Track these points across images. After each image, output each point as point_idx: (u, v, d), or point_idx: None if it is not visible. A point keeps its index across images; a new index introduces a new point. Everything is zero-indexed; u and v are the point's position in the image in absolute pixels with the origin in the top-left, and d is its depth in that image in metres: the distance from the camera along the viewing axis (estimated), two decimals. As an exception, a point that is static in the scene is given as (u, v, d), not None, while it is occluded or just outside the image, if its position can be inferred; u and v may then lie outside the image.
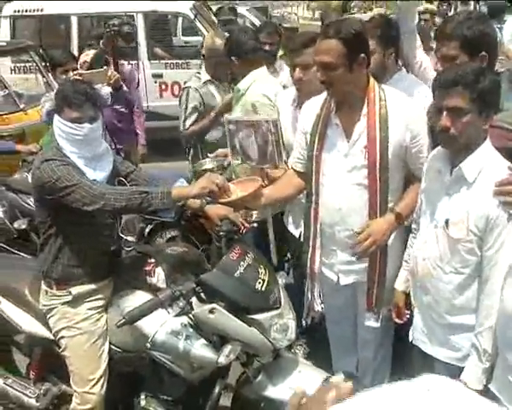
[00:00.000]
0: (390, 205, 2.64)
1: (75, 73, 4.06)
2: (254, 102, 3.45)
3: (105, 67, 4.49)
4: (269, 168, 3.10)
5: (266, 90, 3.47)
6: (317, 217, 2.78)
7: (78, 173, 2.53)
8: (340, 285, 2.83)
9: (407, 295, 2.59)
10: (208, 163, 3.68)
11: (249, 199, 2.62)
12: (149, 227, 4.64)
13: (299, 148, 2.88)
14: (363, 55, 2.51)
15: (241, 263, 2.48)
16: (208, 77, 4.10)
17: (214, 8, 9.54)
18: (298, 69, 3.11)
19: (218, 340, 2.51)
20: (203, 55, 4.16)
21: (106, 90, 4.33)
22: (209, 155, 3.80)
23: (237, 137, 3.22)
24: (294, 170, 2.91)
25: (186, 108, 4.13)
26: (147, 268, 2.70)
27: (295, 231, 3.39)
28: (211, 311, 2.40)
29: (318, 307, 2.97)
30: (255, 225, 2.95)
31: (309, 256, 2.88)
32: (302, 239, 3.06)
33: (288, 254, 3.79)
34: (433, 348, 2.38)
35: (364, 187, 2.62)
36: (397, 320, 2.68)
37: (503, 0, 8.21)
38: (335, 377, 1.69)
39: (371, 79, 2.63)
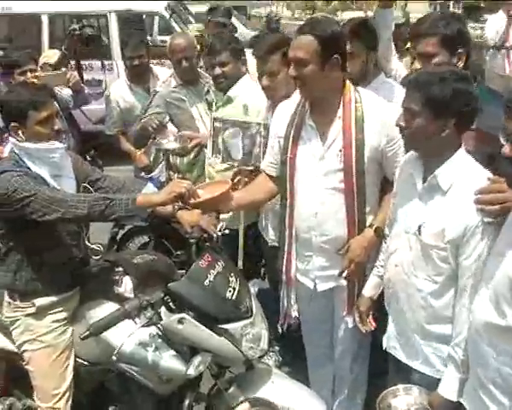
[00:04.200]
0: (367, 209, 2.65)
1: (32, 75, 3.99)
2: (246, 104, 3.42)
3: (64, 69, 4.45)
4: (251, 169, 3.13)
5: (258, 97, 3.41)
6: (291, 222, 2.77)
7: (37, 183, 2.47)
8: (317, 292, 2.81)
9: (374, 301, 2.60)
10: (170, 143, 3.64)
11: (218, 202, 2.60)
12: (121, 233, 4.62)
13: (271, 152, 2.86)
14: (337, 55, 2.50)
15: (211, 271, 2.45)
16: (178, 81, 4.04)
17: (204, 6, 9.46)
18: (264, 77, 3.10)
19: (188, 351, 2.49)
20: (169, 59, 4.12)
21: (66, 93, 4.28)
22: (175, 133, 3.76)
23: (221, 136, 3.23)
24: (267, 174, 2.89)
25: (145, 112, 4.09)
26: (114, 277, 2.66)
27: (268, 236, 3.37)
28: (180, 321, 2.37)
29: (295, 314, 2.96)
30: (227, 231, 2.91)
31: (284, 262, 2.87)
32: (277, 245, 3.05)
33: (263, 260, 3.76)
34: (407, 357, 2.37)
35: (340, 191, 2.61)
36: (360, 327, 2.68)
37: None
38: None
39: (347, 82, 2.62)
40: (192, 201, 2.50)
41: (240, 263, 3.33)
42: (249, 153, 3.17)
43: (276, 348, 3.76)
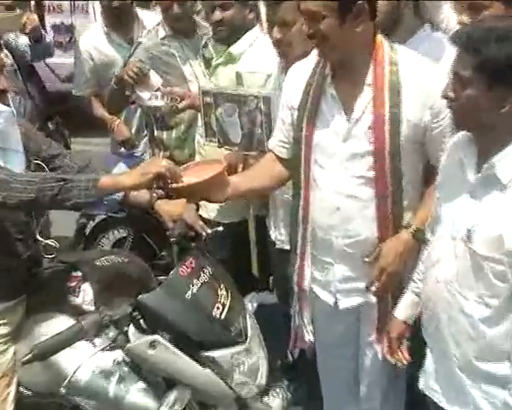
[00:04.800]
0: (405, 203, 2.62)
1: None
2: (242, 73, 3.40)
3: (19, 10, 4.47)
4: (254, 156, 3.11)
5: (267, 57, 3.37)
6: (306, 218, 2.76)
7: None
8: (339, 309, 2.80)
9: (409, 326, 2.56)
10: (155, 100, 3.64)
11: (209, 187, 2.58)
12: (92, 224, 4.64)
13: (282, 127, 2.85)
14: (361, 1, 2.44)
15: (195, 281, 2.45)
16: (168, 31, 4.00)
17: None
18: (276, 28, 3.06)
19: (163, 384, 2.48)
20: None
21: (23, 41, 4.28)
22: (161, 88, 3.73)
23: (214, 114, 3.22)
24: (275, 155, 2.88)
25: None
26: (70, 284, 2.65)
27: (276, 236, 3.36)
28: (151, 344, 2.36)
29: (309, 337, 2.96)
30: (220, 228, 2.89)
31: (296, 270, 2.86)
32: (287, 247, 3.06)
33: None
34: (449, 403, 2.32)
35: (370, 180, 2.59)
36: (388, 357, 2.64)
37: None
38: None
39: (379, 36, 2.58)
40: (174, 185, 2.48)
41: (254, 267, 3.32)
42: (249, 134, 3.14)
43: (285, 381, 3.74)
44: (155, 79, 3.80)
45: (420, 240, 2.57)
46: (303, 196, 2.74)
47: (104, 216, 4.53)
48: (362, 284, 2.71)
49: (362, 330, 2.86)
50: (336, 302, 2.79)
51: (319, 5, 2.43)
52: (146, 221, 4.17)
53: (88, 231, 4.63)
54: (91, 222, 4.61)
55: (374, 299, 2.72)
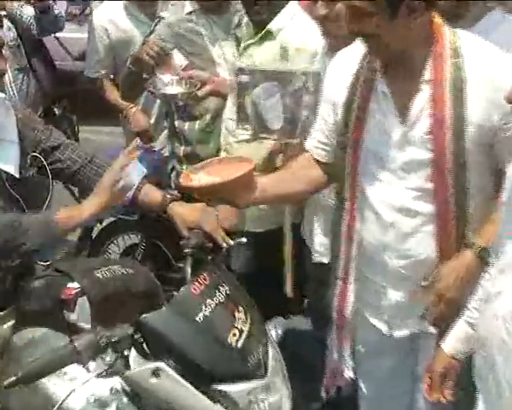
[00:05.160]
0: (471, 215, 2.60)
1: None
2: (286, 46, 3.42)
3: None
4: (296, 146, 3.13)
5: (311, 33, 3.39)
6: (352, 233, 2.77)
7: None
8: (392, 339, 2.82)
9: (459, 363, 2.51)
10: (172, 86, 3.64)
11: (235, 189, 2.60)
12: (99, 227, 4.68)
13: (323, 126, 2.85)
14: None
15: (208, 301, 2.43)
16: (195, 6, 4.02)
17: None
18: (320, 2, 3.06)
19: (167, 419, 2.48)
20: None
21: (28, 13, 4.33)
22: (181, 72, 3.76)
23: (250, 96, 3.23)
24: (314, 157, 2.88)
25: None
26: (65, 297, 2.65)
27: (313, 247, 3.37)
28: (154, 373, 2.33)
29: (349, 373, 2.96)
30: (244, 240, 2.88)
31: (337, 293, 2.88)
32: (325, 261, 3.12)
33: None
34: None
35: (429, 193, 2.59)
36: (426, 395, 2.60)
37: None
38: None
39: (438, 22, 2.55)
40: (185, 184, 2.52)
41: (288, 287, 3.31)
42: (293, 118, 3.15)
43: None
44: (179, 60, 3.82)
45: (485, 261, 2.53)
46: (348, 209, 2.76)
47: (113, 218, 4.56)
48: (420, 311, 2.69)
49: (420, 359, 2.85)
50: (390, 331, 2.81)
51: (365, 2, 2.40)
52: (161, 226, 4.16)
53: (94, 234, 4.68)
54: (99, 225, 4.64)
55: (432, 328, 2.71)
